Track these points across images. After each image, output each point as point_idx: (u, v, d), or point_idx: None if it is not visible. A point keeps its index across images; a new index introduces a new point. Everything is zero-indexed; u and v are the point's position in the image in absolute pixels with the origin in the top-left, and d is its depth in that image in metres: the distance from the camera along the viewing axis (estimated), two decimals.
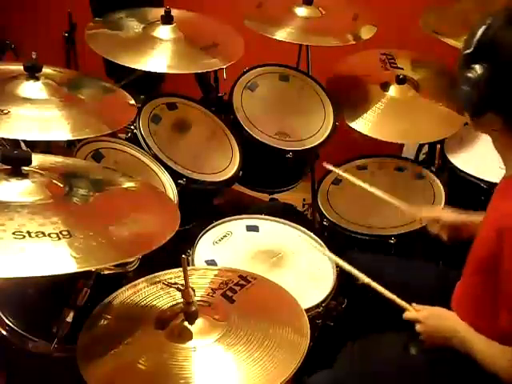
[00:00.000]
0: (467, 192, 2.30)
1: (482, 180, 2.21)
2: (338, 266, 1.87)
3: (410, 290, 1.74)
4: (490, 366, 1.51)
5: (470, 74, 1.46)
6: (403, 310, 1.69)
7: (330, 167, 2.26)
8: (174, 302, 1.49)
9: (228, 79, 2.51)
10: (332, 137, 2.45)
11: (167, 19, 2.33)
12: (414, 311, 1.67)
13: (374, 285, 1.72)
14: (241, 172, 2.32)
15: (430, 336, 1.65)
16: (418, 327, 1.65)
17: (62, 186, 1.47)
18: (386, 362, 1.71)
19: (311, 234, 2.05)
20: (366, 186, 2.11)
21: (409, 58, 2.62)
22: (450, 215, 1.92)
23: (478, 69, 1.44)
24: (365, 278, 1.74)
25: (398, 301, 1.70)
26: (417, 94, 2.48)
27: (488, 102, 1.47)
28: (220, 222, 2.05)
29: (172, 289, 1.50)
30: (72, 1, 2.61)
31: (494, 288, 1.50)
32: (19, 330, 1.59)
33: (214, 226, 2.04)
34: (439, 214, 1.97)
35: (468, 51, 1.47)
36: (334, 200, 2.36)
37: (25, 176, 1.43)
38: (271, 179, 2.57)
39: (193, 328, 1.39)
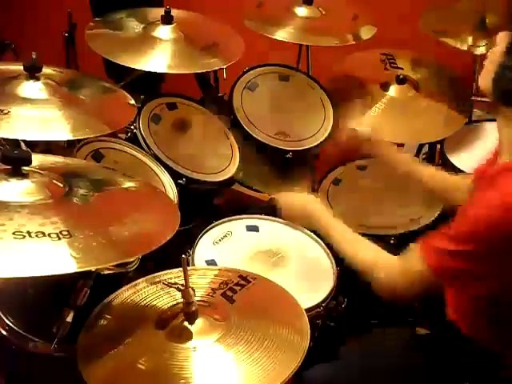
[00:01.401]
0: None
1: None
2: None
3: None
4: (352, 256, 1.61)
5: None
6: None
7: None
8: (174, 302, 1.49)
9: (228, 79, 2.51)
10: (332, 137, 2.45)
11: (167, 19, 2.32)
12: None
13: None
14: (241, 172, 2.32)
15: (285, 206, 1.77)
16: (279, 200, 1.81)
17: (62, 186, 1.47)
18: (386, 357, 1.71)
19: (311, 233, 2.05)
20: None
21: (409, 58, 2.62)
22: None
23: None
24: None
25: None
26: (417, 94, 2.48)
27: None
28: (220, 222, 2.05)
29: (172, 289, 1.50)
30: (72, 1, 2.61)
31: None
32: (19, 330, 1.59)
33: (213, 226, 2.04)
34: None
35: None
36: (334, 200, 2.36)
37: (25, 176, 1.42)
38: (271, 179, 2.56)
39: (193, 328, 1.39)
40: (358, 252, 1.61)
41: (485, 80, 1.55)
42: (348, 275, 1.82)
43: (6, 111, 1.68)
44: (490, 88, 1.53)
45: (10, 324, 1.59)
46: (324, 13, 2.57)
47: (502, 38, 1.53)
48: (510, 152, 1.54)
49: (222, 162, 2.32)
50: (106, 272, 1.59)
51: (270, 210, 2.19)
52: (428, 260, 1.47)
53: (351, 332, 1.92)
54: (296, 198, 1.82)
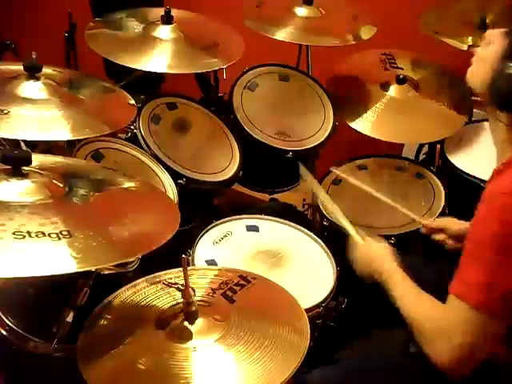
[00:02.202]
0: (467, 192, 2.30)
1: (482, 180, 2.21)
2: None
3: None
4: (405, 308, 1.53)
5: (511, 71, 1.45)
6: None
7: (337, 172, 2.24)
8: (174, 302, 1.49)
9: (228, 79, 2.51)
10: (332, 137, 2.45)
11: (167, 19, 2.32)
12: (360, 240, 1.75)
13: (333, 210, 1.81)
14: (241, 172, 2.32)
15: (359, 261, 1.72)
16: (354, 252, 1.74)
17: (62, 185, 1.47)
18: (386, 359, 1.71)
19: (311, 233, 2.05)
20: (378, 195, 2.12)
21: (409, 58, 2.62)
22: (456, 225, 1.93)
23: None
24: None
25: (352, 231, 1.78)
26: (417, 94, 2.48)
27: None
28: (220, 222, 2.05)
29: (172, 289, 1.50)
30: (72, 1, 2.61)
31: None
32: (19, 330, 1.59)
33: (213, 226, 2.04)
34: (445, 224, 1.99)
35: None
36: (334, 200, 2.35)
37: (25, 176, 1.42)
38: (271, 179, 2.57)
39: (193, 328, 1.39)
40: (413, 307, 1.54)
41: (475, 79, 1.54)
42: (348, 275, 1.82)
43: (6, 111, 1.67)
44: (482, 89, 1.53)
45: (10, 324, 1.59)
46: (324, 13, 2.57)
47: (495, 37, 1.52)
48: (503, 153, 1.55)
49: (222, 162, 2.32)
50: (106, 272, 1.59)
51: (270, 210, 2.21)
52: (471, 299, 1.40)
53: (351, 332, 1.92)
54: (372, 248, 1.76)
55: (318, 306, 1.79)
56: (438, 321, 1.45)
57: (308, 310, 1.69)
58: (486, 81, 1.50)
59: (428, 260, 2.13)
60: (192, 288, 1.40)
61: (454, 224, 1.96)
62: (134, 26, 2.35)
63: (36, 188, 1.41)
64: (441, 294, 1.69)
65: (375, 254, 1.72)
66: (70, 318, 1.51)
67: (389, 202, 2.10)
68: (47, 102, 1.78)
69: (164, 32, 2.31)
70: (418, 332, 1.48)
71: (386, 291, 1.59)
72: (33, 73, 1.80)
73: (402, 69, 2.56)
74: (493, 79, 1.48)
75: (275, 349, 1.37)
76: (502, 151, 1.57)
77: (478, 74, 1.54)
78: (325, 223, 2.27)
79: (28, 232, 1.27)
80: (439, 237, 1.96)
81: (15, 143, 1.84)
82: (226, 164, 2.32)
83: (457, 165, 2.33)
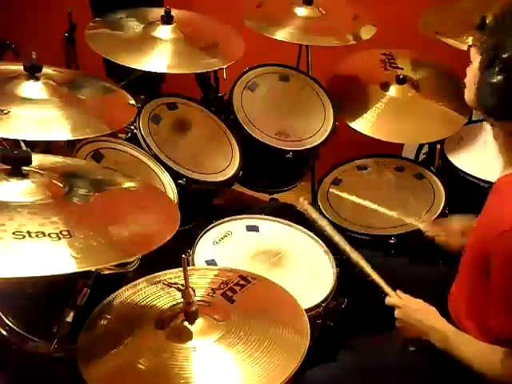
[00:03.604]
0: (467, 192, 2.30)
1: (481, 180, 2.21)
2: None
3: (408, 289, 1.74)
4: (478, 365, 1.52)
5: (493, 80, 1.45)
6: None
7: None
8: (174, 302, 1.49)
9: (228, 79, 2.51)
10: (332, 137, 2.45)
11: (167, 19, 2.32)
12: (396, 297, 1.69)
13: (363, 265, 1.74)
14: (241, 172, 2.32)
15: (405, 324, 1.67)
16: (396, 312, 1.67)
17: (62, 186, 1.47)
18: (386, 359, 1.71)
19: (311, 233, 2.05)
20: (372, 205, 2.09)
21: (409, 58, 2.61)
22: (458, 223, 1.94)
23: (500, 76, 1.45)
24: (358, 260, 1.77)
25: (383, 285, 1.71)
26: (417, 94, 2.48)
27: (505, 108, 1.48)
28: (220, 222, 2.05)
29: (172, 289, 1.50)
30: (72, 1, 2.61)
31: (486, 288, 1.50)
32: (19, 330, 1.59)
33: (214, 226, 2.04)
34: (445, 225, 1.99)
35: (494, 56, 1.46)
36: (334, 200, 2.36)
37: (25, 176, 1.42)
38: (271, 179, 2.57)
39: (193, 328, 1.39)
40: (474, 358, 1.55)
41: (469, 97, 1.56)
42: (348, 275, 1.82)
43: (6, 111, 1.67)
44: (476, 105, 1.54)
45: (10, 324, 1.60)
46: (324, 13, 2.57)
47: (474, 56, 1.54)
48: (507, 161, 1.56)
49: (222, 162, 2.32)
50: (106, 272, 1.59)
51: (270, 210, 2.20)
52: None
53: (351, 332, 1.92)
54: (422, 311, 1.68)
55: (318, 305, 1.79)
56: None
57: (308, 310, 1.69)
58: (475, 97, 1.52)
59: (428, 260, 2.13)
60: (192, 288, 1.40)
61: (453, 223, 1.96)
62: (134, 26, 2.35)
63: (36, 188, 1.41)
64: (442, 295, 1.70)
65: (422, 315, 1.66)
66: (70, 318, 1.51)
67: (386, 212, 2.07)
68: (47, 101, 1.78)
69: (164, 32, 2.31)
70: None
71: (446, 351, 1.58)
72: (33, 73, 1.80)
73: (402, 69, 2.55)
74: (477, 94, 1.50)
75: (275, 349, 1.37)
76: (505, 159, 1.57)
77: (469, 94, 1.56)
78: None
79: (28, 232, 1.27)
80: (441, 239, 1.96)
81: (15, 143, 1.84)
82: (225, 164, 2.32)
83: (457, 165, 2.32)
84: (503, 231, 1.43)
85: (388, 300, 1.71)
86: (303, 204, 2.05)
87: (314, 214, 2.01)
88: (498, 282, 1.47)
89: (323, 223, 1.98)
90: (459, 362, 1.55)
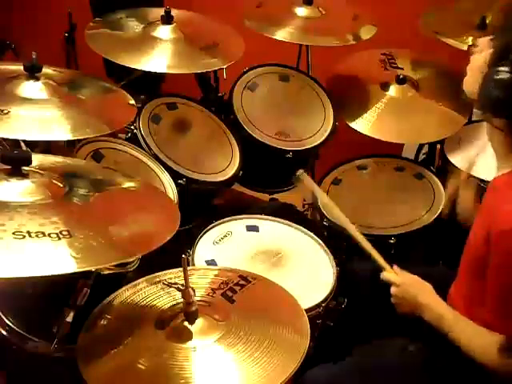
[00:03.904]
0: None
1: (481, 180, 2.21)
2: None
3: None
4: (473, 348, 1.53)
5: (500, 77, 1.45)
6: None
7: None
8: (174, 302, 1.49)
9: (228, 79, 2.51)
10: (332, 137, 2.45)
11: (167, 19, 2.32)
12: (393, 273, 1.69)
13: (359, 237, 1.74)
14: (241, 172, 2.32)
15: (400, 301, 1.67)
16: (392, 288, 1.67)
17: (62, 186, 1.47)
18: (386, 358, 1.71)
19: (311, 233, 2.05)
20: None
21: (409, 58, 2.61)
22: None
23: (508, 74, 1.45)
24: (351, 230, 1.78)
25: (380, 260, 1.71)
26: (417, 94, 2.48)
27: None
28: (220, 221, 2.05)
29: (172, 289, 1.50)
30: (72, 1, 2.61)
31: (484, 288, 1.51)
32: (19, 330, 1.59)
33: (214, 226, 2.04)
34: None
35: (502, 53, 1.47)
36: (334, 200, 2.35)
37: (25, 176, 1.42)
38: (271, 179, 2.57)
39: (193, 328, 1.39)
40: (470, 342, 1.55)
41: (470, 88, 1.56)
42: (348, 275, 1.82)
43: (6, 111, 1.67)
44: (476, 97, 1.54)
45: (10, 324, 1.59)
46: (324, 13, 2.57)
47: (484, 45, 1.54)
48: (501, 160, 1.56)
49: (222, 162, 2.32)
50: (106, 272, 1.59)
51: (270, 210, 2.20)
52: None
53: (351, 332, 1.92)
54: (411, 287, 1.70)
55: (318, 305, 1.79)
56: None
57: (308, 310, 1.69)
58: (477, 88, 1.52)
59: (428, 260, 2.13)
60: (192, 288, 1.40)
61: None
62: (134, 26, 2.35)
63: (36, 188, 1.41)
64: (442, 295, 1.70)
65: (417, 291, 1.67)
66: (70, 318, 1.51)
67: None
68: (47, 102, 1.78)
69: (164, 32, 2.31)
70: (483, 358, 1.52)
71: (439, 330, 1.58)
72: (33, 73, 1.80)
73: (402, 69, 2.55)
74: (483, 86, 1.50)
75: (275, 349, 1.37)
76: (500, 157, 1.58)
77: (471, 83, 1.56)
78: (325, 223, 2.27)
79: (28, 232, 1.27)
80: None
81: (15, 143, 1.84)
82: (225, 164, 2.32)
83: (457, 165, 2.32)
84: (501, 231, 1.43)
85: (384, 275, 1.71)
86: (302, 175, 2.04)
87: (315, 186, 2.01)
88: (494, 280, 1.47)
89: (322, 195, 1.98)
90: (452, 343, 1.55)
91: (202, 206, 2.35)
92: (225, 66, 2.36)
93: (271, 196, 2.70)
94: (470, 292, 1.61)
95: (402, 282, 1.68)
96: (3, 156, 1.42)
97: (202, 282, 1.58)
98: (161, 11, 2.35)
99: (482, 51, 1.55)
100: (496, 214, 1.48)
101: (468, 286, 1.62)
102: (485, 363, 1.51)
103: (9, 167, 1.42)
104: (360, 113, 2.43)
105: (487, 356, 1.51)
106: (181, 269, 1.43)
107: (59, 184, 1.48)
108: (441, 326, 1.59)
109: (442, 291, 1.73)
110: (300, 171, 2.01)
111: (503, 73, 1.45)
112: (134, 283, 1.59)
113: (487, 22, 2.36)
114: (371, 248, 1.76)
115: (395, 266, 1.71)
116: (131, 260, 1.66)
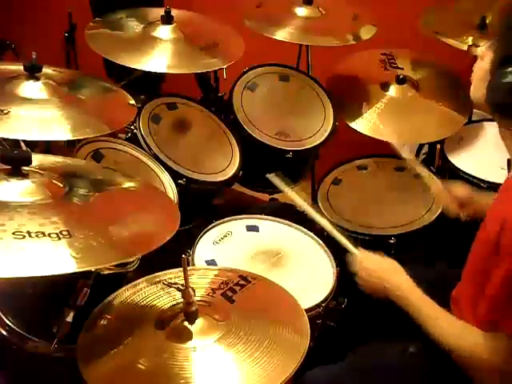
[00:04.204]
0: None
1: (482, 180, 2.21)
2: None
3: None
4: (435, 332, 1.54)
5: (504, 80, 1.46)
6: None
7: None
8: (174, 302, 1.49)
9: (228, 79, 2.51)
10: (332, 137, 2.45)
11: (167, 19, 2.32)
12: (357, 254, 1.69)
13: (324, 222, 1.74)
14: (241, 172, 2.32)
15: (365, 281, 1.68)
16: (355, 268, 1.69)
17: (62, 186, 1.47)
18: (386, 359, 1.71)
19: (311, 233, 2.05)
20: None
21: (409, 58, 2.61)
22: (462, 190, 1.94)
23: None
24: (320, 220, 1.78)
25: (345, 242, 1.71)
26: (417, 94, 2.48)
27: None
28: (220, 221, 2.05)
29: (172, 289, 1.50)
30: (72, 1, 2.61)
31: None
32: (19, 330, 1.59)
33: (213, 226, 2.04)
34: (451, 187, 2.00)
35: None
36: (334, 200, 2.36)
37: (25, 176, 1.42)
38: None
39: (193, 328, 1.39)
40: (440, 331, 1.56)
41: (476, 95, 1.56)
42: (348, 275, 1.82)
43: (6, 111, 1.67)
44: (483, 104, 1.54)
45: (10, 324, 1.59)
46: (324, 13, 2.57)
47: (485, 54, 1.54)
48: None
49: (222, 162, 2.32)
50: (106, 272, 1.59)
51: (270, 210, 2.19)
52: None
53: (351, 332, 1.92)
54: (376, 264, 1.71)
55: (318, 305, 1.79)
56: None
57: (308, 310, 1.69)
58: (483, 95, 1.52)
59: (428, 260, 2.13)
60: (192, 288, 1.40)
61: (460, 189, 1.97)
62: (134, 26, 2.35)
63: (36, 188, 1.41)
64: (442, 295, 1.70)
65: (381, 269, 1.68)
66: (70, 318, 1.51)
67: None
68: (47, 102, 1.78)
69: (164, 32, 2.31)
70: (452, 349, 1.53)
71: (402, 307, 1.59)
72: (33, 73, 1.80)
73: (402, 69, 2.55)
74: (488, 91, 1.50)
75: (275, 349, 1.37)
76: None
77: (476, 91, 1.56)
78: None
79: (28, 232, 1.27)
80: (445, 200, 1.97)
81: (15, 143, 1.84)
82: (225, 164, 2.32)
83: (457, 165, 2.32)
84: None
85: (348, 257, 1.71)
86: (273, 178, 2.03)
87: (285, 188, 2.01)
88: (499, 273, 1.46)
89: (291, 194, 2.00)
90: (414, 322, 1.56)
91: (202, 206, 2.35)
92: (225, 66, 2.36)
93: (271, 196, 2.70)
94: (476, 293, 1.60)
95: (365, 257, 1.68)
96: (3, 156, 1.42)
97: (201, 281, 1.58)
98: (161, 11, 2.35)
99: (483, 58, 1.55)
100: (509, 212, 1.47)
101: (475, 287, 1.60)
102: (450, 348, 1.52)
103: (9, 167, 1.42)
104: (360, 113, 2.42)
105: (452, 338, 1.52)
106: (181, 269, 1.43)
107: (59, 184, 1.48)
108: (403, 307, 1.60)
109: (444, 291, 1.73)
110: (271, 175, 2.01)
111: (506, 74, 1.45)
112: (133, 283, 1.59)
113: (487, 21, 2.36)
114: (337, 232, 1.76)
115: (360, 248, 1.71)
116: (131, 260, 1.66)
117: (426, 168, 2.06)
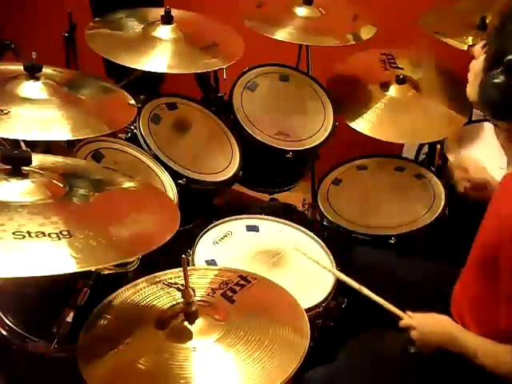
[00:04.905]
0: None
1: None
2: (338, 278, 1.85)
3: (409, 288, 1.74)
4: (494, 366, 1.51)
5: (495, 80, 1.46)
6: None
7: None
8: (174, 302, 1.49)
9: (228, 79, 2.51)
10: (332, 137, 2.45)
11: (167, 19, 2.32)
12: (408, 318, 1.67)
13: (370, 294, 1.72)
14: (241, 172, 2.32)
15: (425, 343, 1.64)
16: (412, 334, 1.64)
17: (62, 186, 1.47)
18: (386, 358, 1.71)
19: (311, 233, 2.05)
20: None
21: (409, 58, 2.61)
22: (478, 171, 1.90)
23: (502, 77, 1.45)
24: (363, 289, 1.73)
25: (393, 309, 1.69)
26: (417, 94, 2.48)
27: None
28: (220, 221, 2.05)
29: (172, 289, 1.50)
30: (72, 1, 2.61)
31: (493, 290, 1.50)
32: (19, 330, 1.59)
33: (213, 226, 2.04)
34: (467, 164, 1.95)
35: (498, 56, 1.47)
36: (334, 200, 2.36)
37: (25, 176, 1.42)
38: (271, 179, 2.57)
39: (193, 328, 1.39)
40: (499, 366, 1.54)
41: (472, 95, 1.57)
42: (348, 275, 1.82)
43: (6, 111, 1.67)
44: (478, 102, 1.55)
45: (10, 324, 1.59)
46: (324, 13, 2.57)
47: (478, 52, 1.54)
48: (510, 157, 1.56)
49: (222, 162, 2.32)
50: (106, 272, 1.59)
51: (270, 210, 2.19)
52: None
53: (351, 332, 1.92)
54: (432, 323, 1.67)
55: (318, 305, 1.79)
56: None
57: (308, 310, 1.69)
58: (477, 94, 1.53)
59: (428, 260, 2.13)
60: (192, 288, 1.40)
61: (477, 170, 1.92)
62: (134, 26, 2.35)
63: (36, 188, 1.41)
64: (442, 296, 1.70)
65: (434, 328, 1.65)
66: (70, 318, 1.51)
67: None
68: (47, 102, 1.78)
69: (164, 32, 2.31)
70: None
71: (466, 358, 1.56)
72: (33, 73, 1.80)
73: (402, 69, 2.55)
74: (480, 90, 1.51)
75: (275, 349, 1.37)
76: (508, 156, 1.58)
77: (471, 90, 1.57)
78: (325, 223, 2.27)
79: (28, 232, 1.27)
80: (461, 175, 1.92)
81: (15, 143, 1.84)
82: (225, 164, 2.32)
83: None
84: None
85: (402, 323, 1.68)
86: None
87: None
88: (509, 280, 1.46)
89: None
90: (475, 365, 1.54)
91: (202, 206, 2.35)
92: (225, 66, 2.36)
93: (271, 196, 2.70)
94: (477, 293, 1.60)
95: (418, 322, 1.66)
96: (3, 156, 1.42)
97: (201, 281, 1.58)
98: (161, 11, 2.35)
99: (478, 57, 1.55)
100: (508, 210, 1.48)
101: (475, 287, 1.61)
102: (502, 373, 1.51)
103: (9, 167, 1.42)
104: (360, 113, 2.42)
105: (504, 366, 1.50)
106: (181, 269, 1.43)
107: (59, 184, 1.48)
108: (466, 354, 1.57)
109: (443, 291, 1.73)
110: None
111: (498, 75, 1.45)
112: (133, 283, 1.59)
113: (487, 21, 2.36)
114: (383, 301, 1.73)
115: (408, 311, 1.69)
116: (131, 260, 1.66)
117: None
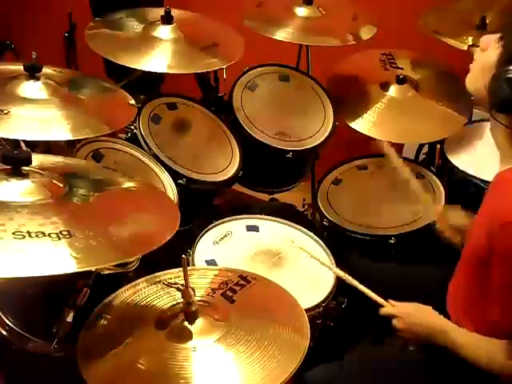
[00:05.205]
0: (467, 192, 2.30)
1: (481, 180, 2.21)
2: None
3: (407, 292, 1.74)
4: (476, 358, 1.53)
5: (509, 75, 1.46)
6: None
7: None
8: (174, 302, 1.49)
9: (228, 79, 2.51)
10: (332, 137, 2.45)
11: (167, 19, 2.32)
12: (389, 306, 1.68)
13: (349, 279, 1.72)
14: (241, 172, 2.32)
15: (405, 332, 1.65)
16: (394, 322, 1.66)
17: (62, 186, 1.47)
18: (386, 358, 1.71)
19: (311, 233, 2.05)
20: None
21: (409, 58, 2.61)
22: (459, 219, 1.92)
23: None
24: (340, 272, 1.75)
25: (374, 296, 1.70)
26: (417, 94, 2.47)
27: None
28: (220, 221, 2.05)
29: (172, 289, 1.50)
30: (72, 1, 2.61)
31: (484, 288, 1.50)
32: (19, 330, 1.59)
33: (214, 226, 2.04)
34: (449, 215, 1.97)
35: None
36: (334, 200, 2.36)
37: (25, 176, 1.42)
38: (271, 179, 2.57)
39: (193, 328, 1.39)
40: (475, 353, 1.55)
41: (474, 86, 1.56)
42: (348, 275, 1.82)
43: (6, 111, 1.67)
44: (481, 94, 1.54)
45: (10, 324, 1.59)
46: (324, 13, 2.57)
47: (488, 44, 1.54)
48: (505, 156, 1.56)
49: (222, 162, 2.32)
50: (106, 272, 1.59)
51: (270, 210, 2.19)
52: None
53: (351, 332, 1.92)
54: (418, 314, 1.67)
55: (318, 305, 1.79)
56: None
57: (308, 310, 1.69)
58: (484, 86, 1.51)
59: (428, 260, 2.13)
60: (192, 288, 1.40)
61: (457, 218, 1.94)
62: (134, 26, 2.35)
63: (36, 188, 1.41)
64: (440, 294, 1.70)
65: (417, 319, 1.65)
66: (70, 318, 1.51)
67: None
68: (47, 102, 1.78)
69: (164, 32, 2.31)
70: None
71: (450, 349, 1.57)
72: (33, 73, 1.80)
73: (402, 69, 2.55)
74: (491, 84, 1.50)
75: (275, 349, 1.37)
76: (503, 153, 1.58)
77: (476, 81, 1.56)
78: (325, 223, 2.27)
79: (28, 232, 1.27)
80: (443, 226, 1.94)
81: (15, 143, 1.84)
82: (226, 164, 2.32)
83: (457, 165, 2.32)
84: (505, 222, 1.43)
85: (382, 311, 1.69)
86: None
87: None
88: (499, 274, 1.47)
89: None
90: (460, 357, 1.55)
91: (202, 206, 2.35)
92: (225, 66, 2.36)
93: (271, 196, 2.70)
94: (470, 293, 1.60)
95: (402, 313, 1.66)
96: (3, 156, 1.42)
97: (202, 281, 1.58)
98: (161, 11, 2.35)
99: (485, 49, 1.55)
100: (499, 207, 1.48)
101: (468, 285, 1.62)
102: (493, 370, 1.51)
103: (9, 167, 1.42)
104: (360, 113, 2.42)
105: (495, 363, 1.51)
106: (181, 269, 1.43)
107: (59, 184, 1.48)
108: (447, 343, 1.58)
109: (441, 291, 1.73)
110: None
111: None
112: (133, 283, 1.59)
113: (487, 21, 2.36)
114: (365, 287, 1.74)
115: (390, 300, 1.69)
116: (131, 260, 1.66)
117: (416, 178, 2.05)
